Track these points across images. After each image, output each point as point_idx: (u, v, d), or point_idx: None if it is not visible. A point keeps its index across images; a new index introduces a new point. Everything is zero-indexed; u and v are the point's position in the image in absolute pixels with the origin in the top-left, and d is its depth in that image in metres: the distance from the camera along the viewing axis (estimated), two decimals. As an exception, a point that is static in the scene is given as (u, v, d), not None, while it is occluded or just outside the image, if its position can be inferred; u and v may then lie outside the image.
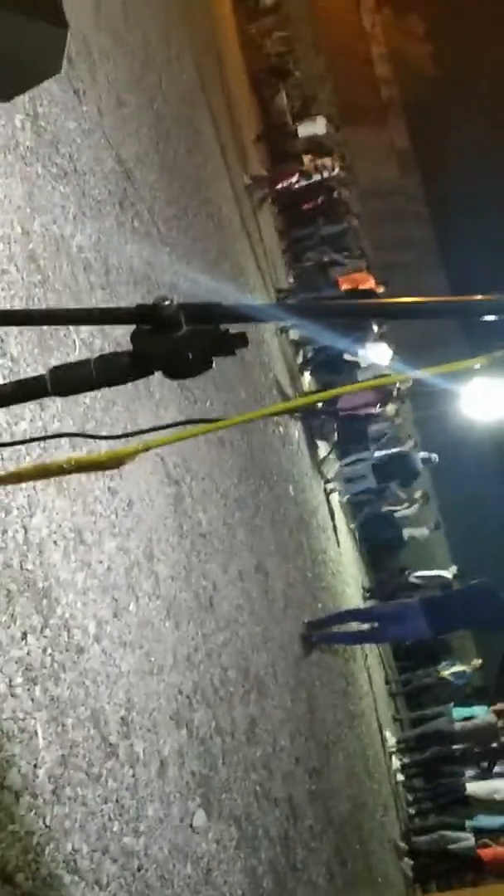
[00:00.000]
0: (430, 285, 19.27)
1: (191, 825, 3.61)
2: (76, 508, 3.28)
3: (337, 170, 12.90)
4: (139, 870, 2.99)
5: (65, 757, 2.68)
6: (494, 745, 11.62)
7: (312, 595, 8.24)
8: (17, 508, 2.79)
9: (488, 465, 21.53)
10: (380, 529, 14.98)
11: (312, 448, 11.44)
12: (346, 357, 11.36)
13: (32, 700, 2.58)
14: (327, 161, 12.84)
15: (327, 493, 11.93)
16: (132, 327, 1.26)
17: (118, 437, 1.52)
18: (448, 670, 13.14)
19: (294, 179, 12.65)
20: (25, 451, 2.94)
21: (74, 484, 3.32)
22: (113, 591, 3.42)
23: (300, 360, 12.24)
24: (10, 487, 2.80)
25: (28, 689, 2.57)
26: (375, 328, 11.75)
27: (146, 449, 1.40)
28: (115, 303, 4.25)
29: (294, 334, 11.98)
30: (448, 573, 14.17)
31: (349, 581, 11.48)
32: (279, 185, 12.67)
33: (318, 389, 12.06)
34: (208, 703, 4.24)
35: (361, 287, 11.54)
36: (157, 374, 1.26)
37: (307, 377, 12.42)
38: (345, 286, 11.51)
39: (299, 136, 14.01)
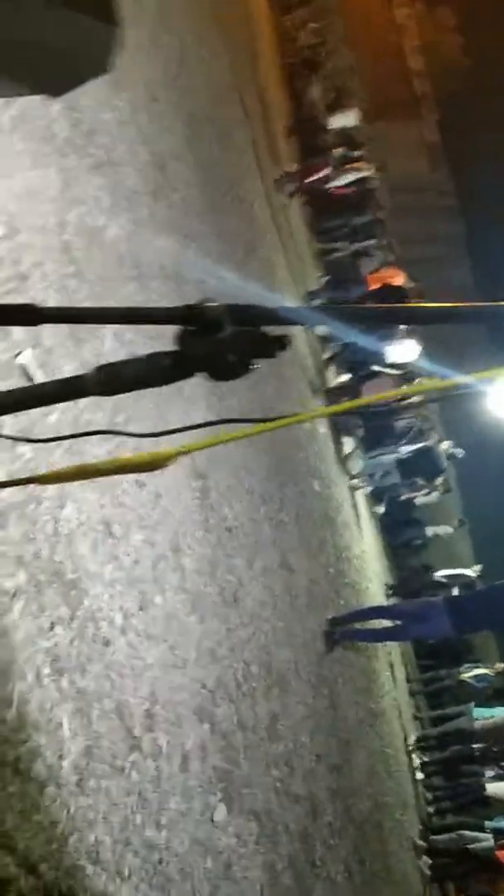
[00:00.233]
0: (456, 280, 19.13)
1: (212, 819, 3.61)
2: (105, 501, 3.29)
3: (371, 172, 12.86)
4: (160, 862, 2.99)
5: (89, 748, 2.69)
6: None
7: (335, 591, 8.22)
8: (48, 500, 2.79)
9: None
10: (400, 516, 14.96)
11: (338, 444, 11.41)
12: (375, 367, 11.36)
13: (59, 691, 2.59)
14: (362, 164, 12.82)
15: (352, 489, 11.90)
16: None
17: (155, 435, 1.51)
18: (470, 673, 13.06)
19: (325, 173, 12.59)
20: (56, 443, 2.95)
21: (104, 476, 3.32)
22: (139, 584, 3.43)
23: (327, 354, 12.19)
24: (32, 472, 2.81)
25: (55, 680, 2.58)
26: (403, 326, 11.69)
27: (187, 451, 1.40)
28: (146, 294, 4.25)
29: (321, 329, 11.91)
30: (472, 572, 14.10)
31: (372, 578, 11.45)
32: (309, 179, 12.62)
33: (345, 384, 12.01)
34: (231, 698, 4.24)
35: (392, 283, 11.47)
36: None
37: (333, 371, 12.38)
38: (375, 285, 11.45)
39: (331, 127, 13.95)
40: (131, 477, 3.63)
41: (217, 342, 1.16)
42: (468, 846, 10.14)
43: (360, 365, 11.32)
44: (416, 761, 11.07)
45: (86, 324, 1.28)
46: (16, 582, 2.51)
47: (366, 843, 6.70)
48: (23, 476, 2.55)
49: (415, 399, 12.73)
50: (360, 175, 12.78)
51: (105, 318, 1.23)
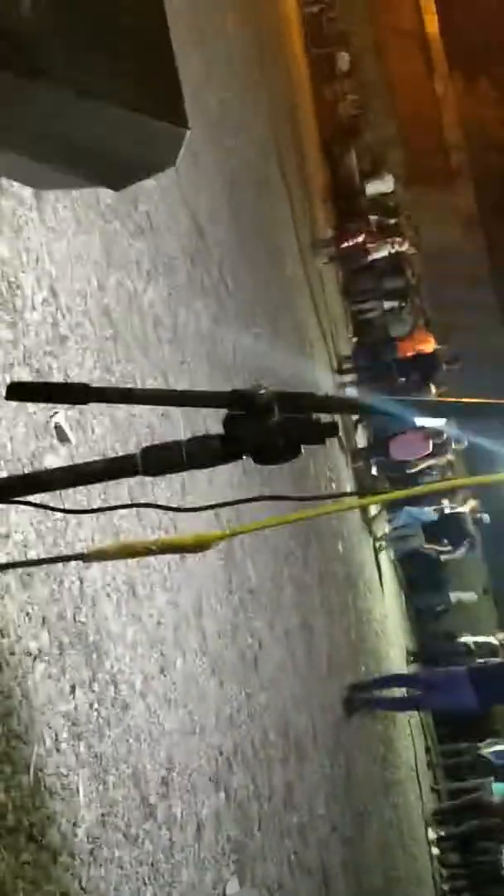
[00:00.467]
0: (493, 346, 19.17)
1: (223, 893, 3.53)
2: (130, 561, 3.28)
3: (407, 246, 13.05)
4: (170, 938, 2.92)
5: (104, 816, 2.65)
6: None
7: (356, 656, 8.12)
8: (75, 560, 2.80)
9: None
10: (424, 581, 14.81)
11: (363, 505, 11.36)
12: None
13: (76, 756, 2.56)
14: (398, 239, 13.03)
15: (376, 552, 11.81)
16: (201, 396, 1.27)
17: (197, 509, 1.53)
18: (491, 749, 12.78)
19: (360, 239, 12.78)
20: (88, 502, 2.96)
21: (131, 535, 3.33)
22: (161, 647, 3.41)
23: (355, 416, 12.22)
24: (69, 537, 2.82)
25: (73, 745, 2.56)
26: (433, 389, 11.72)
27: (233, 534, 1.41)
28: (180, 356, 4.30)
29: (352, 392, 12.00)
30: (496, 640, 13.87)
31: (394, 642, 11.30)
32: (345, 245, 12.81)
33: (372, 444, 12.03)
34: (248, 765, 4.17)
35: (422, 351, 11.54)
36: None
37: (362, 432, 12.41)
38: (407, 351, 11.54)
39: (367, 193, 14.19)
40: (157, 537, 3.63)
41: (266, 428, 1.17)
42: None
43: (389, 428, 11.33)
44: (432, 835, 10.79)
45: (136, 404, 1.30)
46: (39, 643, 2.51)
47: (378, 921, 6.52)
48: (55, 539, 2.57)
49: (444, 460, 12.69)
50: (398, 249, 12.97)
51: (156, 399, 1.25)
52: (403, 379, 11.73)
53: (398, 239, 13.32)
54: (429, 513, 12.33)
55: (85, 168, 1.14)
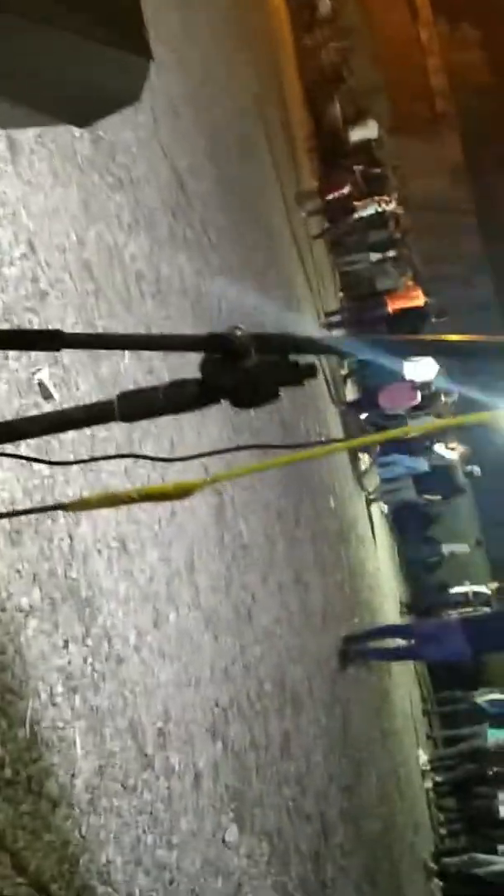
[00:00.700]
0: (477, 298, 19.09)
1: (223, 839, 3.59)
2: (121, 518, 3.29)
3: (394, 204, 12.90)
4: (171, 883, 2.97)
5: (102, 767, 2.68)
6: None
7: (350, 609, 8.19)
8: (64, 517, 2.80)
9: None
10: (416, 535, 14.91)
11: (354, 460, 11.38)
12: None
13: (72, 709, 2.58)
14: (385, 197, 12.87)
15: (368, 506, 11.86)
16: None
17: (179, 459, 1.52)
18: (485, 697, 12.96)
19: (346, 190, 12.63)
20: (73, 457, 2.96)
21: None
22: (154, 602, 3.42)
23: (344, 371, 12.20)
24: (57, 495, 2.82)
25: (68, 699, 2.58)
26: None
27: (214, 480, 1.39)
28: (165, 310, 4.26)
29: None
30: (488, 589, 14.02)
31: (387, 595, 11.40)
32: (330, 196, 12.67)
33: (361, 397, 11.98)
34: (244, 716, 4.22)
35: (410, 306, 11.46)
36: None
37: (351, 386, 12.38)
38: (395, 306, 11.45)
39: (351, 140, 14.00)
40: (147, 493, 3.63)
41: (243, 371, 1.16)
42: (479, 869, 10.06)
43: (378, 380, 11.30)
44: (429, 782, 10.99)
45: (109, 349, 1.28)
46: (31, 600, 2.51)
47: (377, 865, 6.65)
48: (44, 497, 2.56)
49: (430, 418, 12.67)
50: (385, 208, 12.83)
51: (128, 344, 1.23)
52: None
53: (385, 197, 13.18)
54: (422, 462, 12.33)
55: (46, 103, 1.11)
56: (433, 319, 12.17)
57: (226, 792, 3.73)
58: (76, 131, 3.37)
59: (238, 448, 1.59)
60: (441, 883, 9.70)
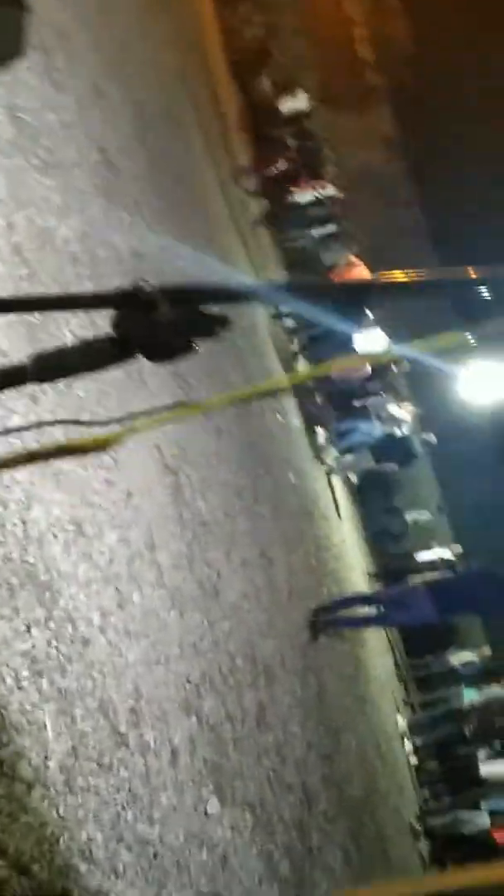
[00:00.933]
0: (425, 268, 19.15)
1: (205, 812, 3.61)
2: (74, 501, 3.27)
3: (331, 189, 12.90)
4: (155, 857, 2.99)
5: (75, 748, 2.68)
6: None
7: (317, 581, 8.25)
8: (15, 503, 2.78)
9: (489, 447, 21.52)
10: (376, 491, 15.07)
11: (311, 435, 11.43)
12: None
13: (39, 692, 2.57)
14: (322, 181, 12.87)
15: (329, 479, 11.93)
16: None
17: (105, 423, 1.51)
18: (456, 658, 13.18)
19: (281, 166, 12.62)
20: (22, 445, 2.93)
21: (72, 477, 3.31)
22: (116, 583, 3.42)
23: (295, 347, 12.21)
24: (6, 480, 2.79)
25: (34, 682, 2.57)
26: (370, 314, 11.72)
27: (131, 431, 1.39)
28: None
29: (288, 322, 11.97)
30: (451, 553, 14.22)
31: (354, 566, 11.50)
32: (266, 172, 12.66)
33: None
34: (217, 690, 4.24)
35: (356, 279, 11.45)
36: (146, 362, 1.25)
37: (302, 363, 12.40)
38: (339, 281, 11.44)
39: (283, 112, 13.98)
40: (101, 476, 3.62)
41: (153, 323, 1.16)
42: (464, 828, 10.25)
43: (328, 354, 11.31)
44: (409, 746, 11.14)
45: (18, 312, 1.27)
46: (-13, 585, 2.50)
47: (362, 829, 6.74)
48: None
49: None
50: (323, 193, 12.83)
51: (38, 305, 1.22)
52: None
53: (322, 182, 13.18)
54: (376, 425, 12.38)
55: None
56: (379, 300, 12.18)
57: (204, 766, 3.75)
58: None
59: (170, 410, 1.59)
60: (427, 843, 9.86)
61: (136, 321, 1.17)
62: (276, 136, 13.29)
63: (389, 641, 12.89)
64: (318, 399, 12.14)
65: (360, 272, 12.07)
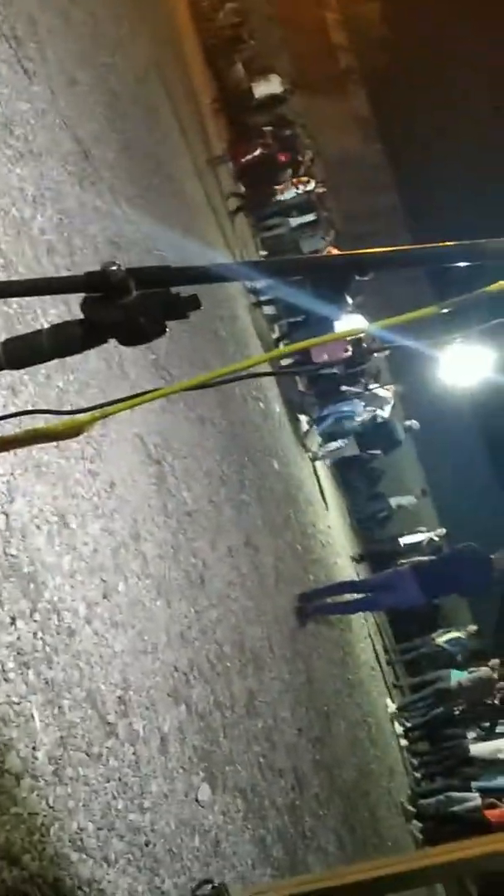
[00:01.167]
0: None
1: (196, 799, 3.62)
2: (57, 492, 3.26)
3: (313, 185, 12.87)
4: (147, 845, 3.00)
5: (63, 738, 2.67)
6: (493, 701, 11.76)
7: (304, 568, 8.27)
8: (-4, 495, 2.77)
9: (471, 429, 21.64)
10: (360, 477, 15.13)
11: (294, 422, 11.43)
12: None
13: (26, 684, 2.57)
14: (304, 179, 12.85)
15: (313, 465, 11.95)
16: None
17: (80, 411, 1.50)
18: (444, 637, 13.25)
19: (257, 153, 12.58)
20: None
21: (53, 468, 3.30)
22: (101, 573, 3.41)
23: (275, 335, 12.20)
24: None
25: (21, 674, 2.56)
26: (350, 300, 11.72)
27: (103, 416, 1.38)
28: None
29: (268, 309, 11.96)
30: (436, 535, 14.28)
31: (340, 552, 11.53)
32: (244, 159, 12.61)
33: (293, 361, 12.00)
34: (205, 678, 4.25)
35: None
36: (127, 352, 1.25)
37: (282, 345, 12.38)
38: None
39: (256, 97, 13.91)
40: (83, 467, 3.61)
41: (124, 306, 1.15)
42: (455, 808, 10.32)
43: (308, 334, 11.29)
44: (399, 728, 11.20)
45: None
46: (-29, 578, 2.49)
47: (355, 812, 6.78)
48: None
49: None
50: (304, 189, 12.81)
51: (6, 292, 1.21)
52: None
53: (304, 178, 13.16)
54: (358, 405, 12.36)
55: None
56: (357, 277, 12.18)
57: (194, 753, 3.76)
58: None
59: (142, 393, 1.58)
60: (420, 824, 9.92)
61: (105, 305, 1.16)
62: (252, 123, 13.23)
63: (377, 625, 12.95)
64: (301, 386, 12.15)
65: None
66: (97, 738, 2.89)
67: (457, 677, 12.31)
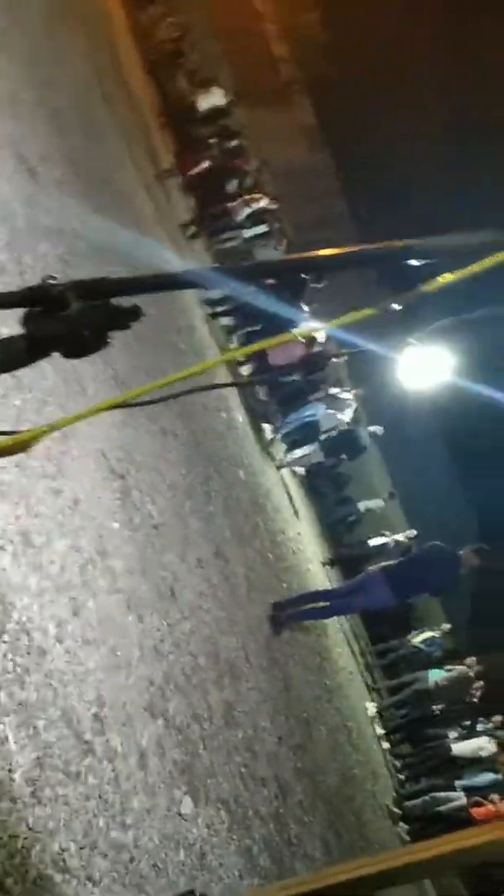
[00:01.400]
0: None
1: (179, 813, 3.59)
2: (20, 512, 3.23)
3: (266, 201, 12.93)
4: (131, 861, 2.96)
5: (40, 759, 2.64)
6: (472, 699, 11.84)
7: (275, 576, 8.25)
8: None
9: (432, 431, 21.82)
10: (327, 484, 15.20)
11: (258, 431, 11.44)
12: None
13: (-2, 706, 2.53)
14: (256, 195, 12.90)
15: (280, 473, 11.95)
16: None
17: (23, 432, 1.50)
18: (419, 637, 13.31)
19: (205, 165, 12.62)
20: None
21: (14, 487, 3.27)
22: (69, 591, 3.38)
23: (234, 344, 12.20)
24: None
25: (-8, 696, 2.53)
26: (305, 307, 11.78)
27: (51, 429, 1.38)
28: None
29: (225, 320, 11.96)
30: (404, 537, 14.34)
31: (311, 558, 11.53)
32: (191, 172, 12.64)
33: (251, 369, 12.01)
34: (182, 691, 4.22)
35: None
36: (86, 366, 1.24)
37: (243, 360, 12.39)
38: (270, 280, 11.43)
39: (200, 110, 13.96)
40: (45, 485, 3.57)
41: (66, 319, 1.14)
42: (441, 807, 10.35)
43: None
44: (380, 731, 11.21)
45: None
46: None
47: (340, 817, 6.76)
48: None
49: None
50: (259, 206, 12.86)
51: None
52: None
53: (256, 195, 13.23)
54: (320, 407, 12.38)
55: None
56: (311, 285, 12.26)
57: (174, 767, 3.73)
58: None
59: (97, 409, 1.57)
60: (407, 826, 9.93)
61: (46, 318, 1.15)
62: (197, 136, 13.27)
63: (352, 629, 12.96)
64: (262, 395, 12.16)
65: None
66: (74, 756, 2.86)
67: (434, 677, 12.37)
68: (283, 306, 11.47)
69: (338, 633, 11.09)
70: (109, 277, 1.21)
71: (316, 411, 12.17)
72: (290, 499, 12.02)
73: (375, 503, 16.42)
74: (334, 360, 13.25)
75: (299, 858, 5.09)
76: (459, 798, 10.52)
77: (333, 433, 13.01)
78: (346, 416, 12.75)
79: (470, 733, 11.82)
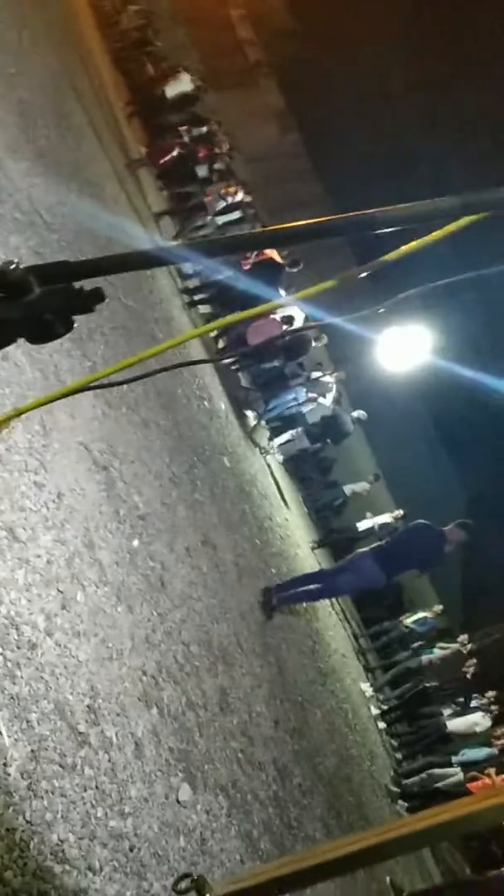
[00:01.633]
0: (329, 242, 19.32)
1: (177, 800, 3.60)
2: (3, 507, 3.21)
3: (241, 195, 12.84)
4: (131, 850, 2.97)
5: (34, 752, 2.63)
6: (465, 675, 11.93)
7: (264, 561, 8.26)
8: None
9: (414, 410, 21.88)
10: (312, 468, 15.25)
11: (241, 418, 11.43)
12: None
13: (-10, 701, 2.52)
14: (231, 189, 12.82)
15: (265, 460, 11.96)
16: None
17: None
18: (411, 618, 13.39)
19: (175, 153, 12.54)
20: None
21: (-2, 482, 3.25)
22: (57, 584, 3.36)
23: (214, 333, 12.16)
24: None
25: (-17, 691, 2.52)
26: (283, 292, 11.75)
27: (17, 413, 1.36)
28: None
29: (203, 308, 11.93)
30: (391, 518, 14.41)
31: (300, 543, 11.55)
32: (162, 161, 12.56)
33: (229, 349, 11.97)
34: (175, 679, 4.22)
35: (264, 260, 11.43)
36: (63, 359, 1.23)
37: (220, 343, 12.35)
38: (246, 264, 11.39)
39: (168, 97, 13.85)
40: (28, 479, 3.55)
41: (27, 304, 1.13)
42: (439, 784, 10.44)
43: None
44: (375, 711, 11.28)
45: None
46: None
47: (339, 798, 6.79)
48: None
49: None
50: (234, 200, 12.78)
51: None
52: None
53: (231, 189, 13.14)
54: (301, 392, 12.40)
55: None
56: (288, 269, 12.22)
57: (170, 755, 3.73)
58: None
59: (75, 390, 1.56)
60: (406, 804, 10.00)
61: (9, 305, 1.14)
62: (167, 123, 13.18)
63: (344, 612, 13.01)
64: (244, 382, 12.15)
65: (270, 253, 12.05)
66: (69, 748, 2.85)
67: (427, 654, 12.47)
68: (260, 289, 11.45)
69: (329, 616, 11.13)
70: (70, 260, 1.19)
71: (298, 396, 12.18)
72: (277, 484, 12.03)
73: (361, 486, 16.45)
74: (315, 343, 13.24)
75: (300, 840, 5.11)
76: (457, 774, 10.61)
77: (318, 421, 13.06)
78: (328, 399, 12.77)
79: (465, 709, 11.92)
